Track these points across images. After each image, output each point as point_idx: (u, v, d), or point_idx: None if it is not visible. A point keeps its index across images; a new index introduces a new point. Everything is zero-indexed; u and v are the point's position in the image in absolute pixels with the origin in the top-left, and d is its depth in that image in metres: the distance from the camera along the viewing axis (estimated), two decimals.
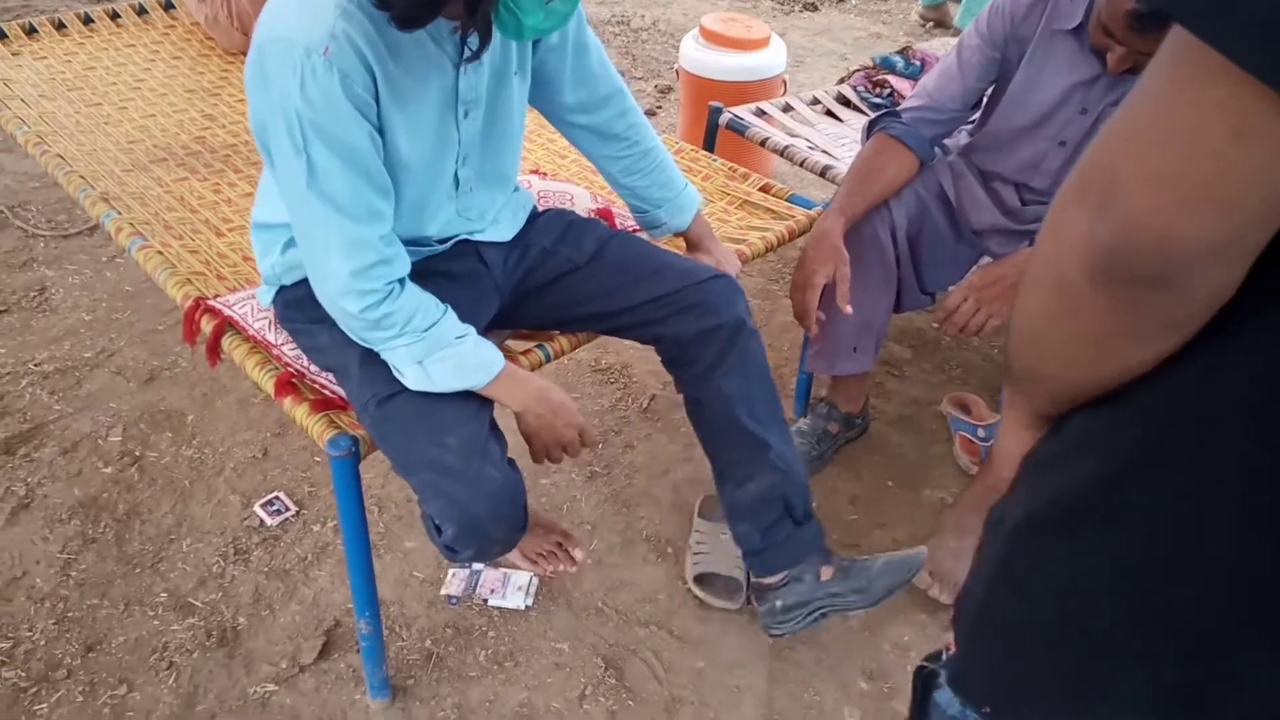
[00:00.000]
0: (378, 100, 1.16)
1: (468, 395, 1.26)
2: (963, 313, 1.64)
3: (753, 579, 1.61)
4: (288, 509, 1.85)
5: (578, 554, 1.70)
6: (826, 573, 1.53)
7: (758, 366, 1.49)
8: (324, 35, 1.09)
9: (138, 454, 1.95)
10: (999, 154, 1.77)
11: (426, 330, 1.20)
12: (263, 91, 1.14)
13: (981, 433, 2.07)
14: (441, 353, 1.21)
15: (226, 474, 1.92)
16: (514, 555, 1.68)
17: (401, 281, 1.21)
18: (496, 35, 1.25)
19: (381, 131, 1.19)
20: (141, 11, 2.62)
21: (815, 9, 4.82)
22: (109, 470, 1.90)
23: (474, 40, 1.16)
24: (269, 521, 1.82)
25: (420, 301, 1.21)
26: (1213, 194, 0.44)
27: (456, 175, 1.34)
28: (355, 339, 1.25)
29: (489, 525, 1.26)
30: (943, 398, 2.21)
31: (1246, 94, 0.41)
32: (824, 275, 1.65)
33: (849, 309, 1.65)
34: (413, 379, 1.22)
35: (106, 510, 1.82)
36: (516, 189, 1.52)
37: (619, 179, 1.55)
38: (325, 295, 1.21)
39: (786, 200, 1.98)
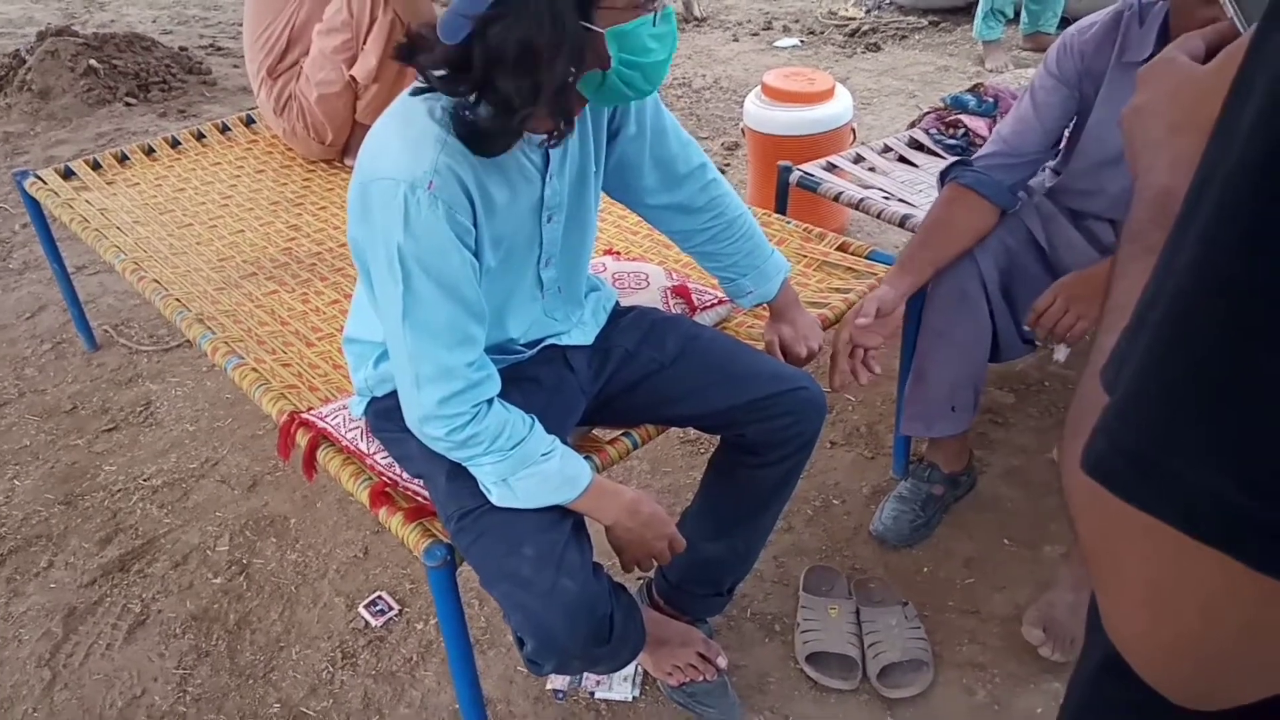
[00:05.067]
0: (476, 224, 1.17)
1: (550, 505, 1.24)
2: (1051, 314, 1.59)
3: (651, 593, 1.69)
4: (391, 608, 1.86)
5: (721, 662, 1.62)
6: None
7: (797, 474, 1.53)
8: (428, 170, 1.10)
9: (245, 562, 1.98)
10: (1087, 193, 1.69)
11: (512, 448, 1.19)
12: (364, 223, 1.16)
13: None
14: (527, 470, 1.20)
15: (330, 576, 1.94)
16: (651, 669, 1.64)
17: (489, 402, 1.20)
18: (576, 140, 1.25)
19: (476, 250, 1.20)
20: (225, 130, 2.74)
21: (878, 49, 4.78)
22: (218, 580, 1.95)
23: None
24: (373, 623, 1.83)
25: (506, 419, 1.20)
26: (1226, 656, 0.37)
27: (540, 277, 1.34)
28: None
29: (564, 639, 1.22)
30: (1052, 444, 2.10)
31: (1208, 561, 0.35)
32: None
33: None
34: (499, 496, 1.21)
35: (218, 621, 1.85)
36: (598, 288, 1.51)
37: (703, 248, 1.52)
38: (412, 420, 1.22)
39: (865, 257, 1.93)
